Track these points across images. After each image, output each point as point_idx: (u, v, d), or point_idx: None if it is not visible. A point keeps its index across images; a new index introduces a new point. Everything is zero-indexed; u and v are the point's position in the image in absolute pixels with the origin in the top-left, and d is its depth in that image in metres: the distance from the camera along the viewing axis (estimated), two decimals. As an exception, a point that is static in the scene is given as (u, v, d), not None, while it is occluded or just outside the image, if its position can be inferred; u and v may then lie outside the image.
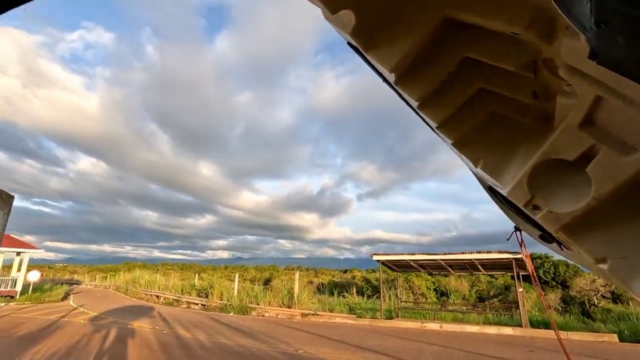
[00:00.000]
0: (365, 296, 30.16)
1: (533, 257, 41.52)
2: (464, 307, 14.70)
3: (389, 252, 12.81)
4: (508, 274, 13.33)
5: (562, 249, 0.73)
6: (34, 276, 21.29)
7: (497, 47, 0.54)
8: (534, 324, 12.17)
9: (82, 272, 65.08)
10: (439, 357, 6.85)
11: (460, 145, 0.67)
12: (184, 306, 18.97)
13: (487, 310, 15.35)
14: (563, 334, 9.72)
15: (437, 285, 40.15)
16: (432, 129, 0.70)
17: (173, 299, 20.66)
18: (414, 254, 12.13)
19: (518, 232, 1.21)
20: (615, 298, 33.06)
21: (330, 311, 15.57)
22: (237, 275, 19.36)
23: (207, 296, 18.81)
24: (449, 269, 13.20)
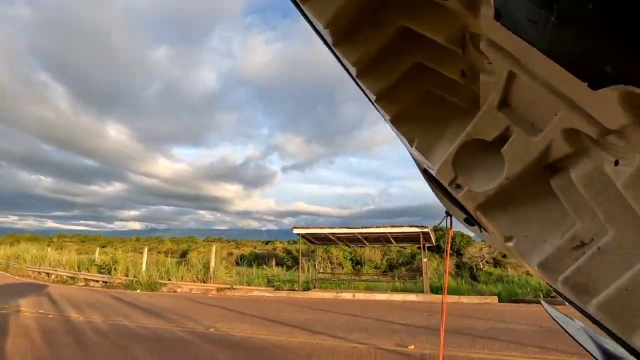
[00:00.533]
0: (285, 267, 30.73)
1: (436, 230, 46.54)
2: (375, 277, 15.69)
3: (310, 225, 12.91)
4: (415, 245, 14.55)
5: (481, 232, 0.78)
6: None
7: (429, 17, 0.55)
8: (434, 290, 13.60)
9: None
10: (349, 327, 7.11)
11: (397, 121, 0.69)
12: (81, 284, 16.91)
13: (396, 279, 16.73)
14: (455, 298, 10.99)
15: (353, 255, 42.90)
16: (372, 103, 0.70)
17: (68, 277, 18.24)
18: (333, 227, 12.41)
19: (448, 217, 1.31)
20: (496, 263, 39.33)
21: (248, 284, 15.35)
22: (145, 249, 17.74)
23: (109, 272, 17.01)
24: (365, 241, 13.89)
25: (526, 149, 0.51)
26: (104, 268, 17.78)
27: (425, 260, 12.40)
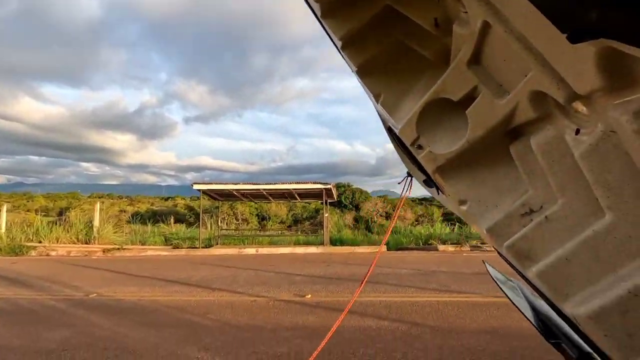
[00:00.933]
0: (187, 225, 29.40)
1: (339, 186, 49.51)
2: (280, 231, 16.08)
3: (212, 181, 12.22)
4: (319, 201, 15.17)
5: (438, 194, 0.79)
6: None
7: None
8: (333, 242, 14.61)
9: None
10: (250, 282, 7.14)
11: (364, 72, 0.68)
12: None
13: (298, 233, 17.41)
14: (351, 249, 11.97)
15: (259, 211, 43.16)
16: (339, 50, 0.68)
17: None
18: (237, 183, 11.98)
19: (409, 178, 1.27)
20: (387, 216, 44.31)
21: (142, 244, 14.16)
22: (4, 206, 14.65)
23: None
24: (270, 197, 13.87)
25: (491, 111, 0.50)
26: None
27: (326, 215, 13.06)
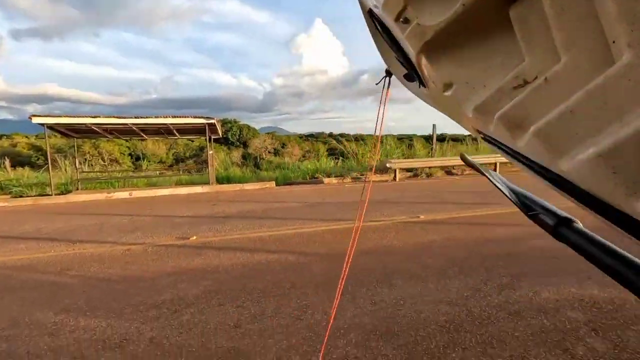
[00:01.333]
0: (34, 169, 24.18)
1: (225, 122, 47.06)
2: (158, 172, 14.46)
3: (61, 114, 9.79)
4: (202, 137, 13.97)
5: (420, 86, 0.74)
6: None
7: None
8: (220, 181, 13.99)
9: None
10: (122, 230, 6.31)
11: None
12: None
13: (181, 172, 16.09)
14: (240, 186, 11.69)
15: (132, 150, 38.01)
16: None
17: None
18: (96, 116, 9.88)
19: (387, 78, 1.24)
20: (276, 152, 44.86)
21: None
22: None
23: None
24: (142, 134, 12.03)
25: None
26: None
27: (211, 152, 12.19)
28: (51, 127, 10.20)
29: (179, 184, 13.25)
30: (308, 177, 13.24)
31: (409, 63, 0.67)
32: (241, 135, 47.35)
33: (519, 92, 0.45)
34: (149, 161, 37.61)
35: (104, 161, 33.59)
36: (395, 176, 12.20)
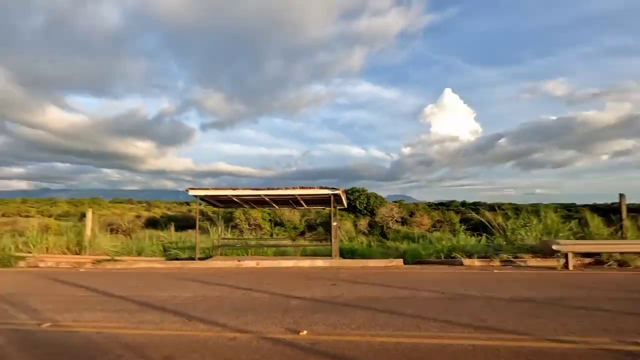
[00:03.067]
0: (201, 231, 28.29)
1: (353, 191, 47.96)
2: (287, 239, 14.78)
3: (209, 187, 11.13)
4: (327, 208, 13.88)
5: None
6: None
7: None
8: (344, 253, 13.25)
9: None
10: (237, 307, 5.92)
11: None
12: None
13: (305, 241, 16.14)
14: (363, 262, 10.60)
15: (272, 216, 42.05)
16: None
17: None
18: (235, 188, 10.86)
19: None
20: (403, 222, 42.51)
21: (139, 254, 13.20)
22: None
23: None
24: (274, 204, 12.70)
25: None
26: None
27: (334, 224, 11.76)
28: (202, 198, 11.61)
29: (304, 254, 13.08)
30: (442, 255, 11.24)
31: None
32: (368, 204, 47.35)
33: None
34: (284, 227, 40.70)
35: (249, 226, 37.92)
36: (567, 262, 9.12)
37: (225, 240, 14.52)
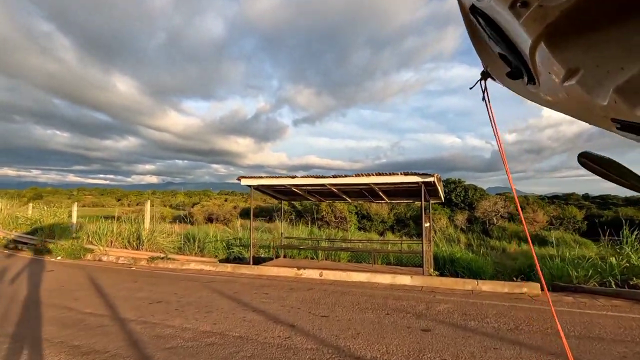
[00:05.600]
0: (289, 222, 27.57)
1: (448, 182, 42.18)
2: (359, 244, 11.85)
3: (263, 175, 8.95)
4: (416, 202, 10.59)
5: (527, 83, 0.66)
6: None
7: None
8: (439, 262, 9.83)
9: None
10: (271, 354, 3.40)
11: None
12: (14, 246, 13.82)
13: (401, 237, 13.02)
14: (472, 284, 7.14)
15: (359, 209, 39.17)
16: None
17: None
18: (293, 177, 8.47)
19: (483, 81, 1.00)
20: (511, 218, 35.41)
21: (201, 250, 11.94)
22: (74, 204, 14.25)
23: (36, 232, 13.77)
24: (345, 196, 9.99)
25: None
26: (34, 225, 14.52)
27: (427, 225, 8.50)
28: (257, 188, 9.56)
29: (386, 262, 10.09)
30: (612, 281, 7.00)
31: (517, 57, 0.60)
32: (466, 196, 41.11)
33: None
34: (372, 220, 37.62)
35: (335, 219, 35.98)
36: None
37: (287, 240, 12.31)
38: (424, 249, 7.85)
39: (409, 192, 8.90)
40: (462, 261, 9.85)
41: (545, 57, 0.52)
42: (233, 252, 11.95)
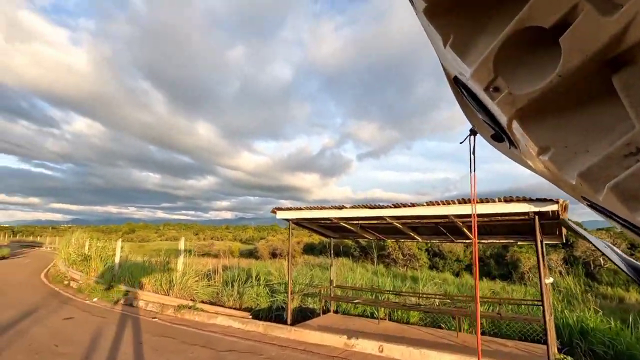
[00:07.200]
0: (351, 258, 25.16)
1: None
2: (436, 301, 8.68)
3: (303, 207, 6.90)
4: (520, 241, 7.58)
5: (509, 147, 0.70)
6: None
7: None
8: (562, 334, 6.55)
9: (79, 232, 60.67)
10: None
11: (432, 12, 0.55)
12: (65, 282, 13.61)
13: (469, 309, 9.79)
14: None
15: (429, 245, 34.36)
16: None
17: (61, 273, 15.34)
18: (341, 207, 6.24)
19: (471, 137, 1.11)
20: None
21: (240, 297, 10.11)
22: (119, 241, 13.59)
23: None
24: (412, 233, 7.38)
25: (595, 33, 0.41)
26: (84, 262, 14.19)
27: (549, 281, 5.55)
28: (297, 222, 7.54)
29: (472, 325, 7.11)
30: None
31: (498, 126, 0.63)
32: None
33: (631, 161, 0.43)
34: (445, 258, 32.73)
35: (403, 256, 32.10)
36: None
37: (338, 290, 9.81)
38: (546, 318, 4.91)
39: (511, 227, 6.07)
40: (598, 333, 6.49)
41: (520, 133, 0.54)
42: (276, 300, 9.89)
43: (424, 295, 8.53)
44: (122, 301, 10.15)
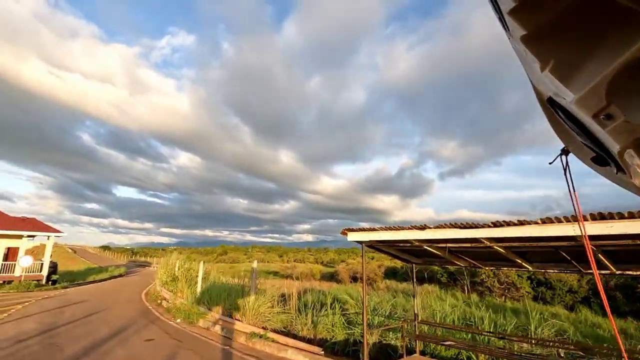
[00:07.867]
0: (438, 285, 22.95)
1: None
2: (561, 350, 6.48)
3: (377, 228, 5.92)
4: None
5: (616, 172, 0.65)
6: (26, 262, 19.29)
7: None
8: None
9: (182, 255, 68.54)
10: None
11: (531, 38, 0.52)
12: (152, 303, 14.61)
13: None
14: None
15: (532, 272, 29.26)
16: (501, 17, 0.53)
17: (158, 295, 16.59)
18: (423, 227, 5.08)
19: (564, 156, 0.97)
20: None
21: (315, 326, 9.35)
22: (201, 263, 14.01)
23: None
24: (517, 259, 5.64)
25: None
26: (173, 283, 15.02)
27: None
28: (371, 246, 6.57)
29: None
30: None
31: (604, 150, 0.60)
32: None
33: None
34: (553, 289, 27.33)
35: (500, 285, 27.90)
36: None
37: (422, 327, 8.28)
38: None
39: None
40: None
41: (635, 162, 0.52)
42: (353, 333, 8.86)
43: (538, 343, 6.58)
44: (200, 323, 10.21)
